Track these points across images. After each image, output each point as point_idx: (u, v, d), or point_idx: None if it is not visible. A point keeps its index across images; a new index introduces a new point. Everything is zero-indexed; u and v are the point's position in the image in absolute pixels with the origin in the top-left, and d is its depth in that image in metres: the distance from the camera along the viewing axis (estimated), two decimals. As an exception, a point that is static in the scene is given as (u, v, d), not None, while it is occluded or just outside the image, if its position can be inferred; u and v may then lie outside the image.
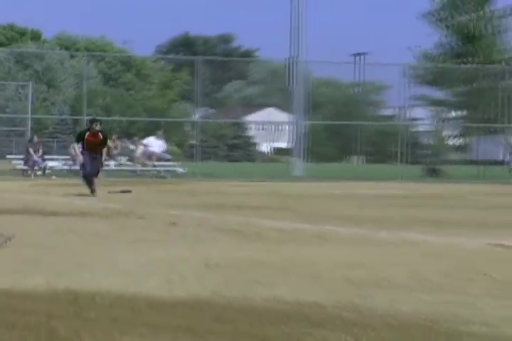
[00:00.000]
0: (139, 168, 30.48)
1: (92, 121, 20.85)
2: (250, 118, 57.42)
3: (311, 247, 10.13)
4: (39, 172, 30.75)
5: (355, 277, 7.41)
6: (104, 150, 21.06)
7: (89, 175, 19.77)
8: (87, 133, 20.29)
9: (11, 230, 10.57)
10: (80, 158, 21.08)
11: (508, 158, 40.18)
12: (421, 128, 47.68)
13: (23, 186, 27.00)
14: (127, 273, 7.54)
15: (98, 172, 20.14)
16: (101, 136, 20.31)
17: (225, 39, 72.91)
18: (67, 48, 45.93)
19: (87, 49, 45.68)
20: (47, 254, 9.08)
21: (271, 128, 52.89)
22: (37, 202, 18.97)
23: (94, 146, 20.05)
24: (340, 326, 5.16)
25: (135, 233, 12.08)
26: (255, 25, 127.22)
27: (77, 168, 31.46)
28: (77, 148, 22.94)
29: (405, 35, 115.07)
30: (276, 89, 48.65)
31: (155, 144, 33.40)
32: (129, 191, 19.81)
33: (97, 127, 20.24)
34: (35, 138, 32.33)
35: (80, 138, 20.98)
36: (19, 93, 39.80)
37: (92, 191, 19.44)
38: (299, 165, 36.30)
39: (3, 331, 5.00)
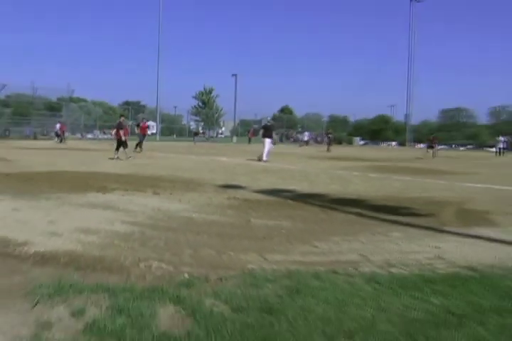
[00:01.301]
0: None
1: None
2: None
3: (153, 160, 9.86)
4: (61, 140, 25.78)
5: (176, 168, 7.65)
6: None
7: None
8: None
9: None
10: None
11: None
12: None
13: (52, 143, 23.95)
14: (98, 166, 7.77)
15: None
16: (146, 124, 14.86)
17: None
18: (94, 104, 40.92)
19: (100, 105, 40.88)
20: (60, 161, 8.68)
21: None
22: (53, 146, 17.14)
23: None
24: (168, 181, 5.62)
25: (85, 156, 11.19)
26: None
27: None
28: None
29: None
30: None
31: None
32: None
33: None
34: (60, 126, 27.30)
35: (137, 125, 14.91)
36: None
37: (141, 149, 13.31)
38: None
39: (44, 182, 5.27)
